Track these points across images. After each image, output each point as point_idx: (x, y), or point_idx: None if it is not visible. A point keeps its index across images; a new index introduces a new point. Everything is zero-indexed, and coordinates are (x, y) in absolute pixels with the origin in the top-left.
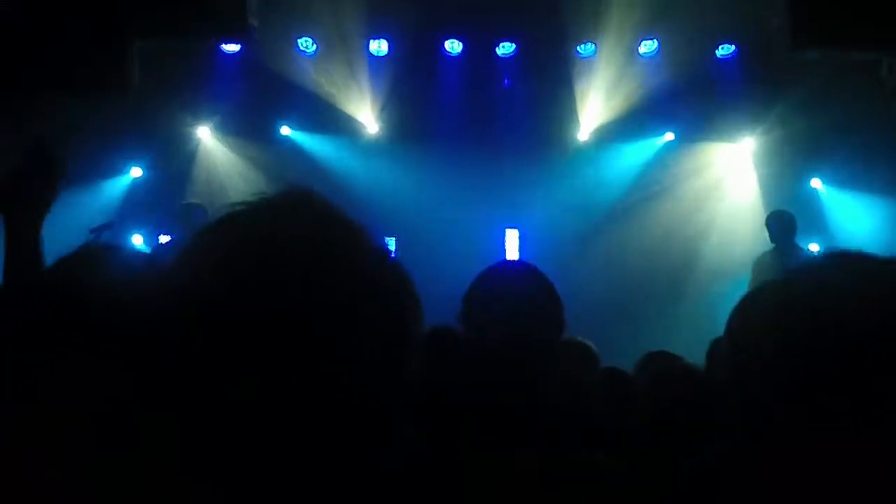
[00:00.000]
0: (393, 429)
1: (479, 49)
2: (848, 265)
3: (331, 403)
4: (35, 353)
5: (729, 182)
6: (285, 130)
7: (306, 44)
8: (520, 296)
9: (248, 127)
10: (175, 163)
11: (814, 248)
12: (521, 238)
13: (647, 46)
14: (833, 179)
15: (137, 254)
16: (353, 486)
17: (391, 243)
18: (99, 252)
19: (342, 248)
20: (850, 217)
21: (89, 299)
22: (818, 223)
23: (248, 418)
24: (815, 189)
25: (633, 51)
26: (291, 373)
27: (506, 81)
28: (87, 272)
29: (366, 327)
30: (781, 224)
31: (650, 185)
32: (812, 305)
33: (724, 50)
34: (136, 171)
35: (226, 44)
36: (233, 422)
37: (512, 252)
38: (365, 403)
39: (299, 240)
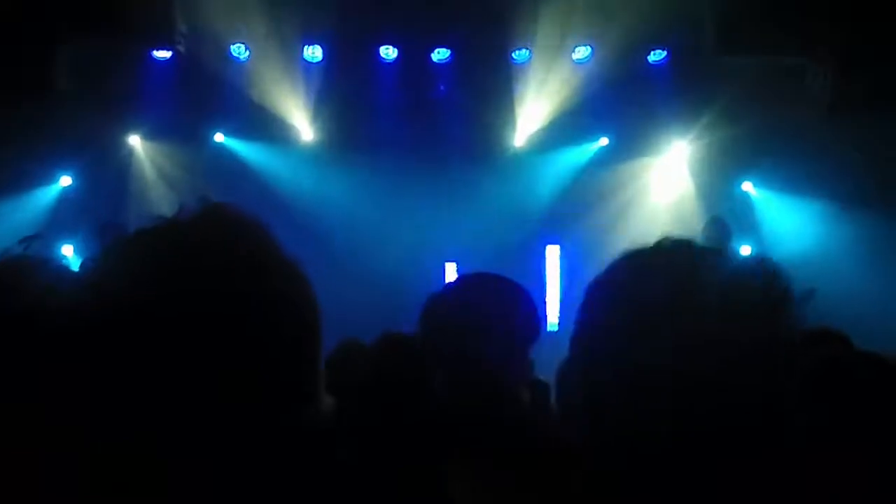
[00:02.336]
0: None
1: (414, 55)
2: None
3: (228, 412)
4: None
5: (662, 186)
6: (219, 137)
7: (239, 50)
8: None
9: (181, 134)
10: (106, 171)
11: (746, 250)
12: (458, 243)
13: (581, 52)
14: (764, 182)
15: (59, 265)
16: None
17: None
18: (20, 264)
19: (249, 259)
20: (780, 219)
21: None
22: (750, 226)
23: (153, 419)
24: (746, 192)
25: (567, 57)
26: (192, 377)
27: (441, 88)
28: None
29: (258, 336)
30: (718, 230)
31: (585, 189)
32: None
33: (656, 55)
34: (65, 180)
35: (156, 50)
36: (141, 422)
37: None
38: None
39: (206, 250)
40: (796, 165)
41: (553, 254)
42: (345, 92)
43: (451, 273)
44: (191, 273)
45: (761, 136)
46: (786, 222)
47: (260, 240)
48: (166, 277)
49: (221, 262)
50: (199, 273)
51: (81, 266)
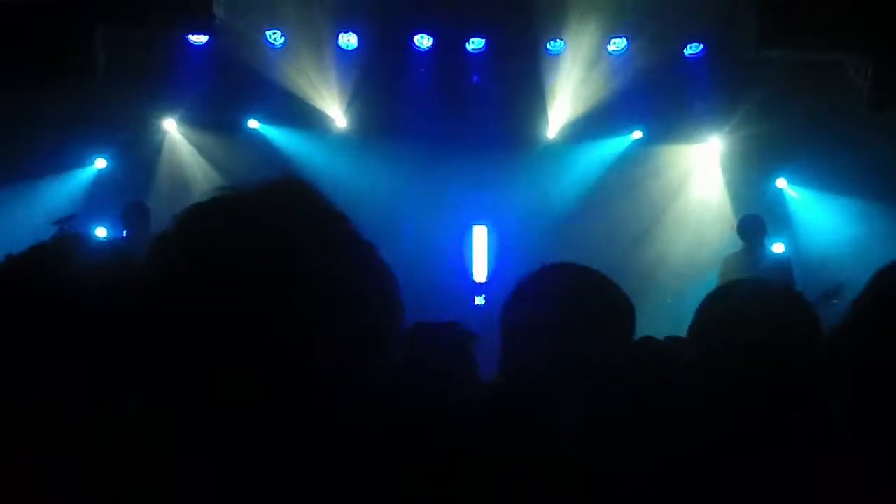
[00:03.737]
0: (361, 419)
1: (448, 44)
2: None
3: (304, 392)
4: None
5: (695, 181)
6: (253, 124)
7: (274, 36)
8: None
9: (215, 119)
10: (140, 155)
11: (779, 247)
12: (488, 235)
13: (617, 44)
14: (798, 179)
15: (105, 245)
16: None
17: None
18: (69, 243)
19: (326, 240)
20: (814, 216)
21: (60, 290)
22: (783, 223)
23: (224, 407)
24: (780, 188)
25: (602, 49)
26: (269, 363)
27: (475, 77)
28: (58, 262)
29: (346, 320)
30: (752, 227)
31: (617, 183)
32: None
33: (693, 49)
34: (100, 163)
35: (192, 35)
36: (209, 411)
37: (480, 249)
38: (335, 391)
39: (286, 230)
40: (833, 162)
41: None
42: (379, 80)
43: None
44: (258, 245)
45: (797, 131)
46: (820, 220)
47: (339, 219)
48: (242, 261)
49: (296, 239)
50: (267, 247)
51: (113, 244)
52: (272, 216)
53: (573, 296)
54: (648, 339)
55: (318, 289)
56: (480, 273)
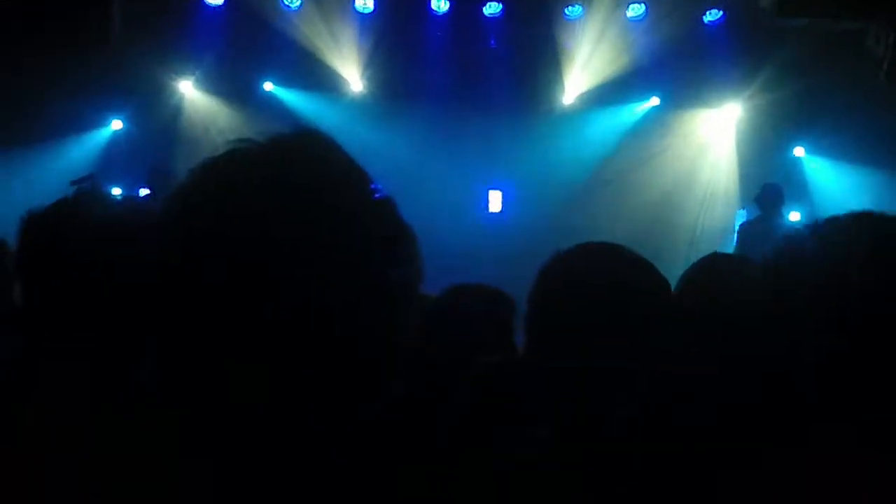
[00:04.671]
0: (381, 381)
1: (465, 8)
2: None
3: (324, 347)
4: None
5: (713, 148)
6: (268, 86)
7: None
8: None
9: (231, 82)
10: (156, 116)
11: (795, 216)
12: (503, 198)
13: (635, 10)
14: (816, 148)
15: (125, 201)
16: (332, 434)
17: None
18: (89, 198)
19: (344, 194)
20: (832, 186)
21: (81, 244)
22: (800, 192)
23: (241, 360)
24: (798, 157)
25: (620, 14)
26: (287, 316)
27: (492, 41)
28: (80, 217)
29: (368, 274)
30: (771, 195)
31: (634, 149)
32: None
33: (712, 15)
34: (116, 124)
35: None
36: (226, 364)
37: (494, 207)
38: (358, 351)
39: (302, 184)
40: (851, 131)
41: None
42: (395, 44)
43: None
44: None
45: (816, 100)
46: (837, 189)
47: (358, 173)
48: (263, 212)
49: (314, 192)
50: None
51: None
52: (287, 168)
53: (616, 277)
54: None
55: (335, 243)
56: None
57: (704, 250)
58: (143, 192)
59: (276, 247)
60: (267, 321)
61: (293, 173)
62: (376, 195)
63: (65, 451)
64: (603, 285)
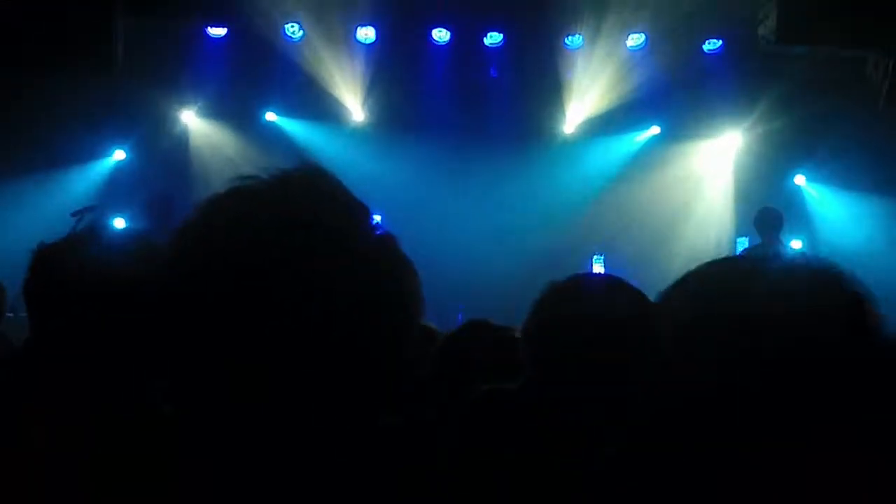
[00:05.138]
0: (379, 412)
1: (466, 38)
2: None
3: (324, 382)
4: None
5: (713, 177)
6: (270, 116)
7: (293, 29)
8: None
9: (234, 112)
10: (159, 146)
11: (796, 244)
12: (504, 228)
13: (635, 40)
14: (816, 176)
15: (129, 235)
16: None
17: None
18: (91, 234)
19: (347, 231)
20: (833, 214)
21: (90, 278)
22: (802, 220)
23: (243, 396)
24: (798, 186)
25: (620, 44)
26: (287, 353)
27: (493, 71)
28: (89, 251)
29: (366, 313)
30: (769, 220)
31: (634, 179)
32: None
33: (712, 45)
34: (119, 154)
35: (211, 27)
36: (228, 398)
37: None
38: (355, 386)
39: (306, 222)
40: (851, 159)
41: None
42: (397, 74)
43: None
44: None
45: (816, 128)
46: (839, 218)
47: (359, 211)
48: (263, 251)
49: (316, 229)
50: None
51: (137, 234)
52: (292, 206)
53: (610, 309)
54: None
55: (337, 280)
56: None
57: None
58: (145, 222)
59: (282, 283)
60: (274, 354)
61: (298, 210)
62: (378, 231)
63: (65, 451)
64: (597, 317)
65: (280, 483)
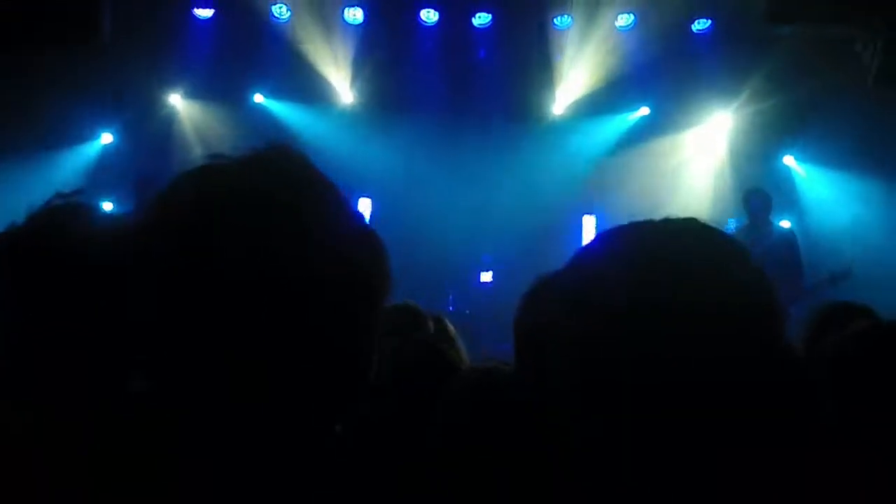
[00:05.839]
0: (343, 402)
1: (455, 19)
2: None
3: (286, 363)
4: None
5: (702, 158)
6: (258, 98)
7: (280, 10)
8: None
9: (221, 94)
10: (146, 129)
11: (785, 224)
12: (494, 210)
13: (625, 20)
14: (806, 156)
15: (109, 215)
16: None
17: (366, 204)
18: (67, 209)
19: (315, 209)
20: (822, 194)
21: (59, 253)
22: (791, 200)
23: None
24: (787, 166)
25: (610, 24)
26: (250, 331)
27: (481, 52)
28: (57, 227)
29: (331, 292)
30: (758, 201)
31: (624, 159)
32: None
33: (701, 24)
34: (106, 137)
35: (198, 8)
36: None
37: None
38: (319, 368)
39: (265, 200)
40: (840, 139)
41: (589, 224)
42: (385, 55)
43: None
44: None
45: (805, 107)
46: (828, 198)
47: (328, 189)
48: (230, 228)
49: (281, 208)
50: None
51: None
52: (253, 184)
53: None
54: None
55: (292, 258)
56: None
57: None
58: (133, 205)
59: (235, 260)
60: (225, 330)
61: (259, 188)
62: (347, 209)
63: (63, 450)
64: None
65: (283, 465)
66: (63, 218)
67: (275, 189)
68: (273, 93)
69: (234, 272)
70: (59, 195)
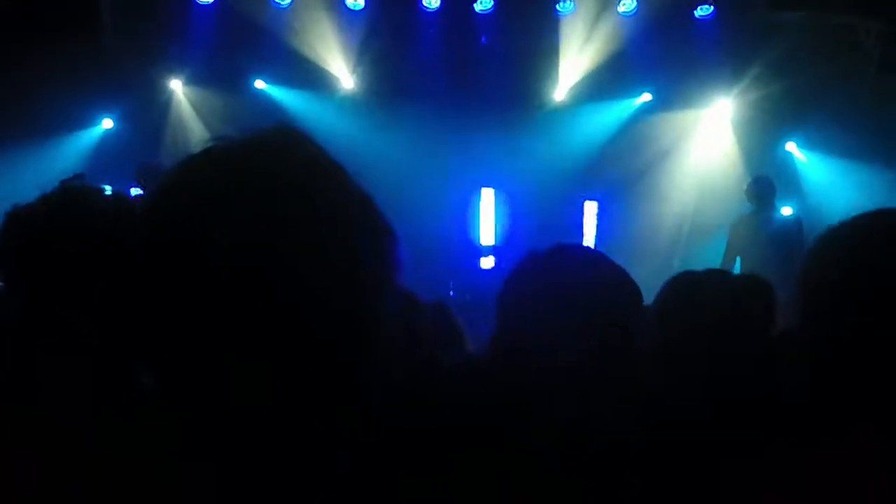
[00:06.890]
0: (358, 387)
1: (457, 4)
2: None
3: (293, 349)
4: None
5: (704, 143)
6: (259, 84)
7: None
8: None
9: (222, 80)
10: (147, 115)
11: (787, 211)
12: (496, 197)
13: (627, 5)
14: (808, 143)
15: (112, 196)
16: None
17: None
18: (77, 194)
19: (315, 191)
20: (823, 181)
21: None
22: (793, 187)
23: (210, 357)
24: (789, 152)
25: (611, 9)
26: (258, 311)
27: (483, 38)
28: (65, 207)
29: (340, 273)
30: (762, 189)
31: (626, 145)
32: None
33: (703, 10)
34: (107, 123)
35: None
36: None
37: (487, 211)
38: (348, 347)
39: (271, 181)
40: (842, 126)
41: (591, 210)
42: (386, 41)
43: (488, 220)
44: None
45: (807, 94)
46: (830, 185)
47: (335, 171)
48: (237, 209)
49: (288, 189)
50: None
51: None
52: (258, 165)
53: (576, 278)
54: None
55: (309, 241)
56: (488, 236)
57: (697, 246)
58: (135, 190)
59: (241, 242)
60: (251, 318)
61: (264, 169)
62: (355, 190)
63: (64, 451)
64: (567, 288)
65: (284, 465)
66: (76, 196)
67: (282, 169)
68: (274, 79)
69: (241, 258)
70: (62, 181)
